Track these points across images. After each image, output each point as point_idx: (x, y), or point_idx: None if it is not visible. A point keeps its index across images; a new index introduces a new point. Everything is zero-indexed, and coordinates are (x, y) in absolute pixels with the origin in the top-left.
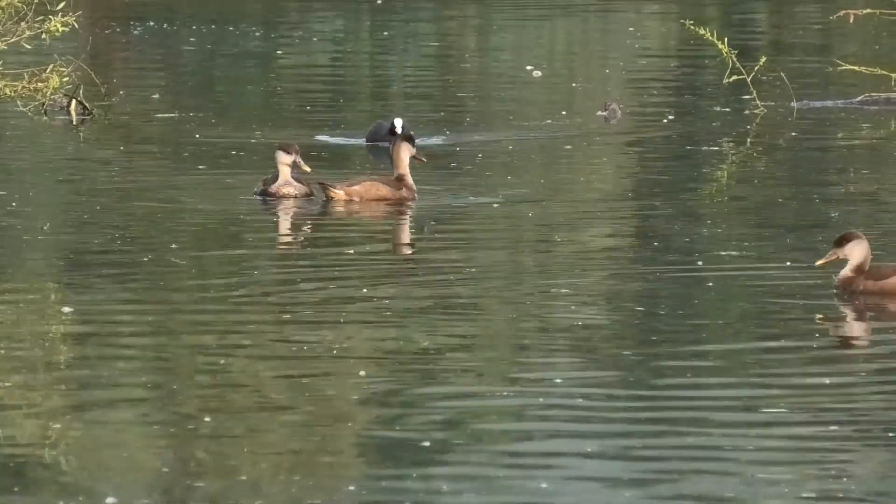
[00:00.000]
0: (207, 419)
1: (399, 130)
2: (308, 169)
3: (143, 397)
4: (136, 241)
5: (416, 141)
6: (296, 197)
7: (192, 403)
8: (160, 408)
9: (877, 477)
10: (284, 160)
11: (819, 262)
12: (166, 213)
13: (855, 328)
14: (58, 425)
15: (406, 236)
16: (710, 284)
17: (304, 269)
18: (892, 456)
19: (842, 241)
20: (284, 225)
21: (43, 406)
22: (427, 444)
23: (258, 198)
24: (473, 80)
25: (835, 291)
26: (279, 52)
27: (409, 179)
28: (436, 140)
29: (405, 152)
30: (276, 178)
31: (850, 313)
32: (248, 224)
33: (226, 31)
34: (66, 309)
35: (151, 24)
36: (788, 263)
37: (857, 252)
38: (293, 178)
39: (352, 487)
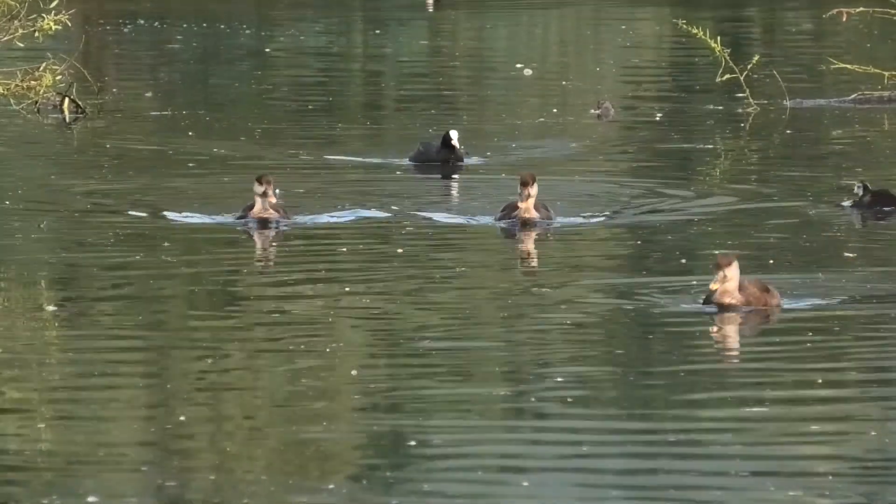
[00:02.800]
0: (183, 418)
1: (455, 143)
2: (273, 200)
3: (129, 396)
4: (128, 239)
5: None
6: (270, 219)
7: (178, 403)
8: (146, 407)
9: (861, 477)
10: (257, 190)
11: (714, 286)
12: (159, 212)
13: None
14: (42, 424)
15: (395, 246)
16: (696, 283)
17: (294, 275)
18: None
19: (725, 263)
20: (266, 239)
21: (29, 404)
22: (413, 443)
23: (239, 221)
24: (464, 78)
25: (707, 308)
26: (268, 49)
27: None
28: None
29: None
30: (250, 205)
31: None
32: (239, 225)
33: (215, 29)
34: (51, 308)
35: (141, 22)
36: (771, 262)
37: (737, 272)
38: (272, 205)
39: (332, 486)
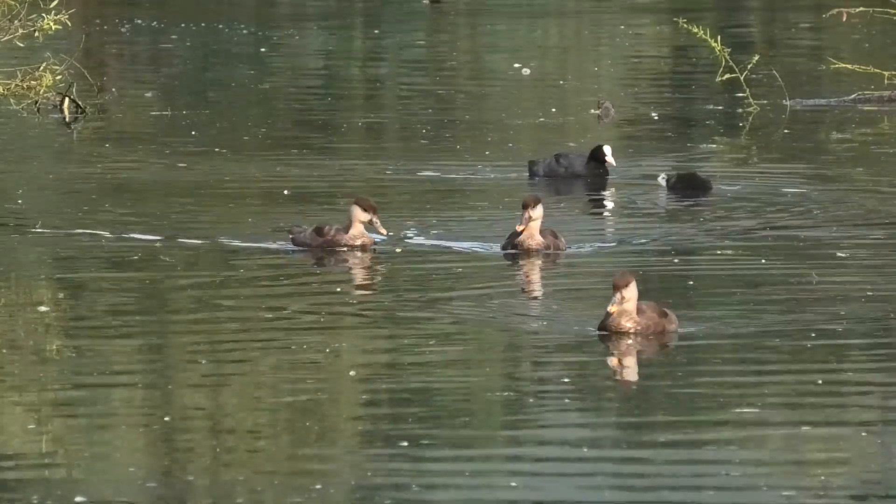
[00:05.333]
0: (167, 419)
1: (611, 159)
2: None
3: (125, 397)
4: (126, 239)
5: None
6: (364, 248)
7: (171, 404)
8: (141, 408)
9: (856, 475)
10: (360, 217)
11: (613, 309)
12: (157, 212)
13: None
14: (33, 425)
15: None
16: (692, 283)
17: (310, 279)
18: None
19: (623, 284)
20: (360, 263)
21: (22, 404)
22: (405, 444)
23: (305, 246)
24: (463, 78)
25: (604, 333)
26: (263, 49)
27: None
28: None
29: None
30: (340, 228)
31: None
32: (245, 220)
33: (213, 29)
34: (43, 308)
35: (139, 22)
36: (763, 261)
37: (635, 292)
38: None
39: (318, 486)
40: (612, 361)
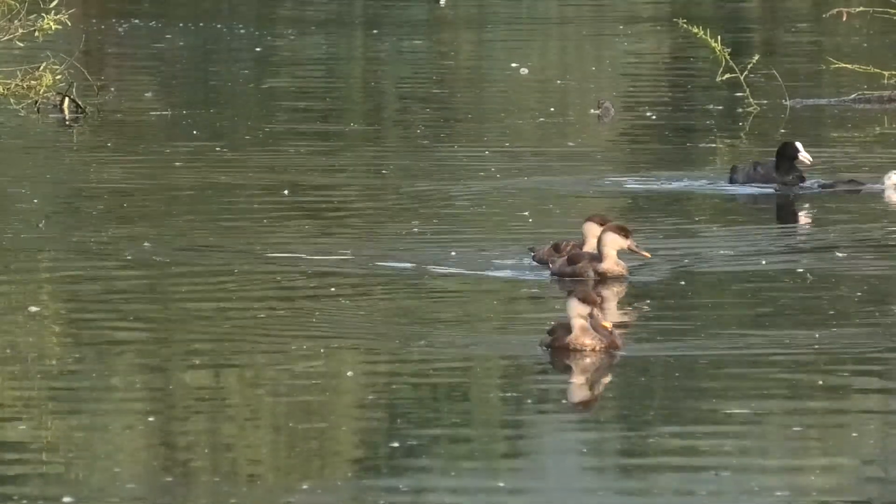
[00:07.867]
0: (152, 419)
1: (805, 157)
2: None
3: (122, 397)
4: (127, 238)
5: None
6: (624, 275)
7: (164, 406)
8: (136, 409)
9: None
10: (619, 244)
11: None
12: (157, 212)
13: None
14: (24, 426)
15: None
16: (691, 285)
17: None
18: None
19: (596, 301)
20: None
21: (16, 405)
22: (396, 444)
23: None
24: (461, 78)
25: (563, 350)
26: (260, 49)
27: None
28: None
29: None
30: (577, 245)
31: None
32: (245, 221)
33: (212, 28)
34: (33, 308)
35: (136, 21)
36: (762, 263)
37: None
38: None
39: (305, 486)
40: (606, 373)
